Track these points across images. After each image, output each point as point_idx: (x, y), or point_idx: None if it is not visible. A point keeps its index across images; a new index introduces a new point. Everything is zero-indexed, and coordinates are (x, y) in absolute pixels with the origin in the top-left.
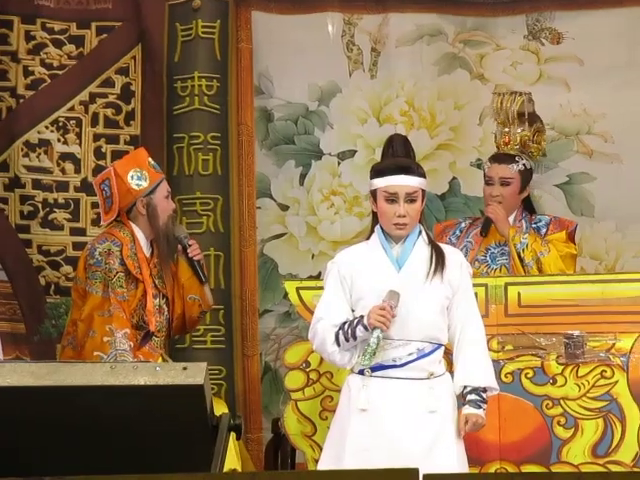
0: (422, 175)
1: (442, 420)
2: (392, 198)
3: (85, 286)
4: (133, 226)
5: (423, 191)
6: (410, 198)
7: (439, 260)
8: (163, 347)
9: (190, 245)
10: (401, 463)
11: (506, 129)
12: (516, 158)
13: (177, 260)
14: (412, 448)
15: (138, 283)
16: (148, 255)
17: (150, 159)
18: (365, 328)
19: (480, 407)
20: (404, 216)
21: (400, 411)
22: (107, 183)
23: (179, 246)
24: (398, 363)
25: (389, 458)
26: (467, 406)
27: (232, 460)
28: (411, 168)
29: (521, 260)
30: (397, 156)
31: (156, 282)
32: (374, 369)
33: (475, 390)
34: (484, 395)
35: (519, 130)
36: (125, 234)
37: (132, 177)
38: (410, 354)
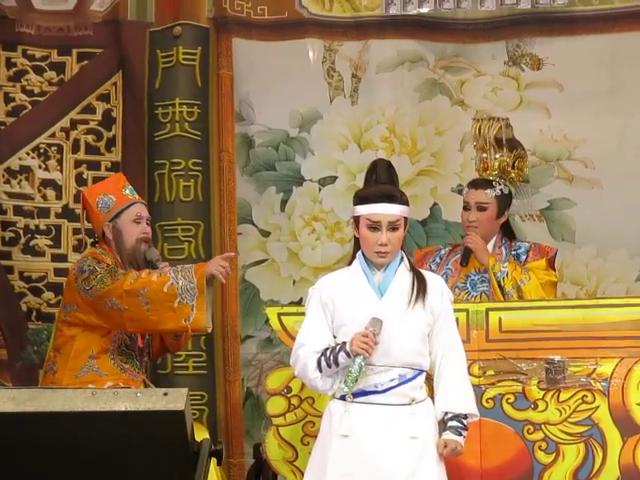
0: (405, 203)
1: (424, 445)
2: (375, 226)
3: (97, 304)
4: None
5: (405, 219)
6: (392, 226)
7: (420, 287)
8: (144, 372)
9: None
10: None
11: (484, 155)
12: (493, 183)
13: None
14: (394, 473)
15: None
16: None
17: (126, 184)
18: (347, 354)
19: (460, 434)
20: (386, 244)
21: (382, 437)
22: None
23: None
24: (380, 389)
25: None
26: (447, 432)
27: None
28: (394, 196)
29: (501, 288)
30: (380, 182)
31: None
32: (356, 395)
33: (456, 417)
34: (465, 422)
35: (497, 156)
36: (107, 257)
37: (99, 202)
38: (392, 380)
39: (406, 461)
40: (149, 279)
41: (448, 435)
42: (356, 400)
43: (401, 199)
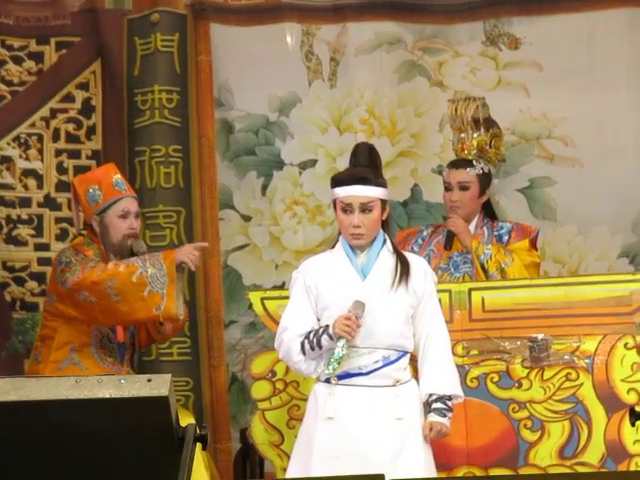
0: (380, 185)
1: (409, 427)
2: (347, 208)
3: (72, 296)
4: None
5: (383, 201)
6: (365, 208)
7: (404, 269)
8: (129, 364)
9: None
10: (369, 470)
11: (462, 135)
12: (473, 162)
13: None
14: (379, 455)
15: None
16: None
17: (116, 176)
18: (330, 337)
19: (445, 415)
20: (359, 226)
21: (366, 418)
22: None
23: None
24: (364, 371)
25: (357, 465)
26: (432, 414)
27: (200, 471)
28: (366, 178)
29: (485, 271)
30: (359, 165)
31: None
32: (340, 377)
33: (441, 398)
34: (449, 403)
35: (475, 135)
36: (91, 248)
37: (87, 193)
38: (376, 362)
39: (391, 443)
40: (116, 270)
41: (433, 417)
42: (340, 382)
43: (375, 181)
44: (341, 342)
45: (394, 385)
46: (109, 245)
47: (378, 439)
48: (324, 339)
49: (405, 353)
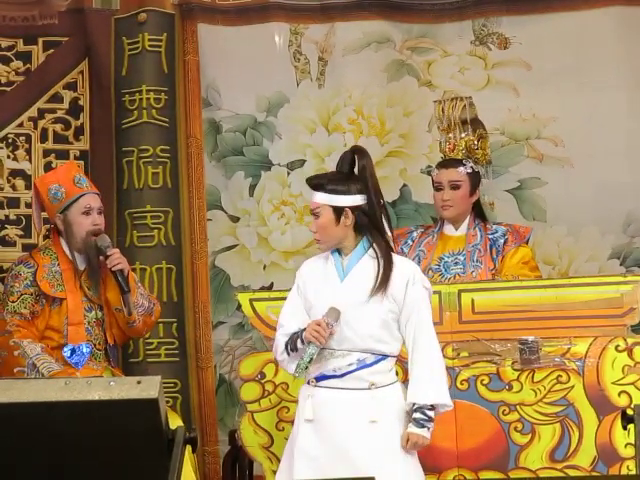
0: (332, 192)
1: (388, 430)
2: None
3: None
4: (62, 242)
5: (336, 207)
6: (314, 213)
7: (385, 274)
8: (107, 360)
9: (109, 255)
10: (347, 472)
11: (450, 135)
12: (463, 161)
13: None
14: (356, 457)
15: (62, 301)
16: (82, 268)
17: (77, 174)
18: (302, 341)
19: (423, 426)
20: (315, 232)
21: (343, 421)
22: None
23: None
24: (338, 373)
25: (337, 467)
26: (411, 424)
27: (188, 473)
28: (318, 184)
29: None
30: (339, 171)
31: (88, 295)
32: (318, 379)
33: (420, 408)
34: (429, 413)
35: (463, 135)
36: (46, 254)
37: (49, 192)
38: (350, 364)
39: (369, 446)
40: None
41: (411, 428)
42: (319, 384)
43: (326, 187)
44: (310, 348)
45: (369, 388)
46: (74, 243)
47: (354, 441)
48: (299, 342)
49: (385, 357)
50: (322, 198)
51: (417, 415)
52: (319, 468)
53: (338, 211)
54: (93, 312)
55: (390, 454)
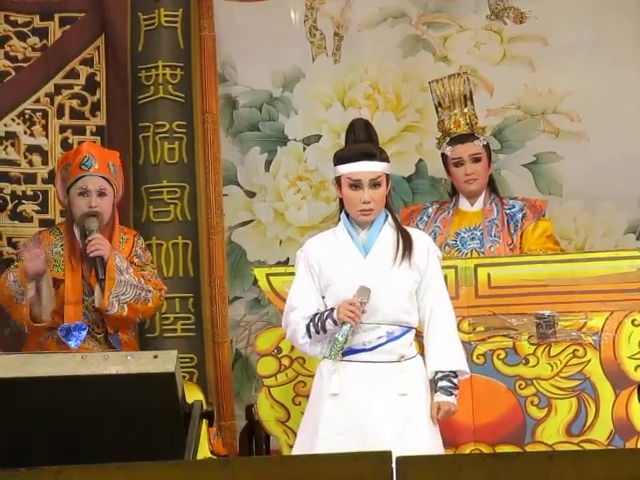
0: (385, 160)
1: (414, 402)
2: (356, 184)
3: None
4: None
5: (387, 175)
6: (374, 183)
7: (406, 244)
8: (110, 347)
9: (89, 240)
10: (374, 446)
11: (455, 111)
12: (475, 134)
13: None
14: (385, 431)
15: (62, 283)
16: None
17: (87, 155)
18: (335, 322)
19: (452, 394)
20: (369, 202)
21: (371, 394)
22: None
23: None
24: (368, 347)
25: (362, 442)
26: (439, 393)
27: (206, 447)
28: (373, 153)
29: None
30: (359, 141)
31: (86, 278)
32: (345, 353)
33: (447, 376)
34: (455, 381)
35: (466, 110)
36: (53, 234)
37: (62, 172)
38: (380, 337)
39: (397, 420)
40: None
41: (440, 397)
42: (345, 359)
43: (381, 156)
44: (345, 328)
45: (399, 361)
46: (75, 223)
47: (383, 415)
48: (328, 323)
49: (410, 329)
50: (382, 167)
51: (444, 383)
52: (345, 443)
53: (388, 179)
54: (92, 297)
55: (418, 425)
